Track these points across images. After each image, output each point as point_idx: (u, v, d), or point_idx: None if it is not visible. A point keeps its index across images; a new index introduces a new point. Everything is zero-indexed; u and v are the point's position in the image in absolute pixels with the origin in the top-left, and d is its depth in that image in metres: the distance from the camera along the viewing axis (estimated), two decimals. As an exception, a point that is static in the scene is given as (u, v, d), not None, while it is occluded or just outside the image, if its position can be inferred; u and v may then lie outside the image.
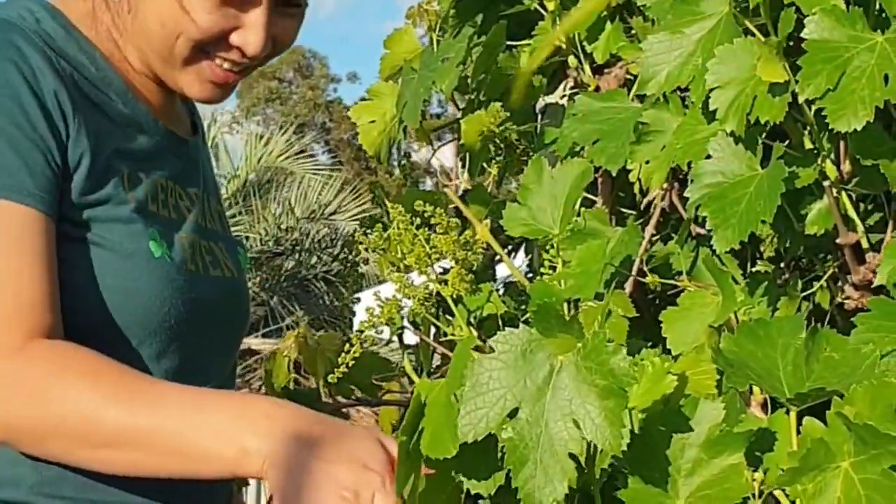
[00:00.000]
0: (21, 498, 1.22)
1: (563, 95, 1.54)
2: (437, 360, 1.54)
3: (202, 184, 1.44)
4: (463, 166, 1.79)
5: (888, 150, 1.14)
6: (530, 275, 1.67)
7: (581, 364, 0.92)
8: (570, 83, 1.53)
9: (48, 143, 1.19)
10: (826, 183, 1.18)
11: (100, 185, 1.24)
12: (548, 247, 1.26)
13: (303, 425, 1.11)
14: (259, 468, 1.10)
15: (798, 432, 0.96)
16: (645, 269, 1.29)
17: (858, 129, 1.06)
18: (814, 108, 1.12)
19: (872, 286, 1.17)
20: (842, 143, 1.19)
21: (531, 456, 0.92)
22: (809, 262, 1.41)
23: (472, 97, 1.65)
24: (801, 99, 1.10)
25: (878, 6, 1.12)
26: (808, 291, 1.33)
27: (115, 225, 1.25)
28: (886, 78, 1.06)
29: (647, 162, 1.29)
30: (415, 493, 1.01)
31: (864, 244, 1.20)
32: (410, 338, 1.39)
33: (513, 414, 0.93)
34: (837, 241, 1.21)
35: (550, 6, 1.44)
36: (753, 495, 0.94)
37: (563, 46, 1.47)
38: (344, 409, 1.60)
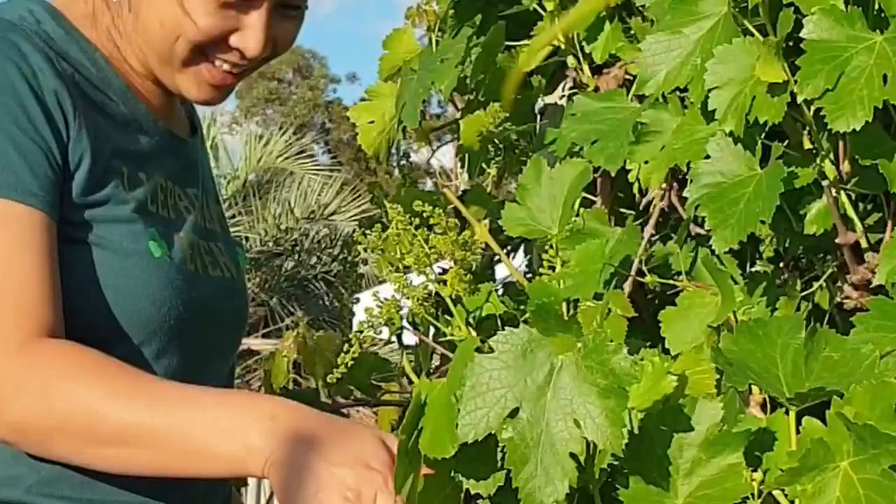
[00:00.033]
0: (19, 498, 1.22)
1: (563, 96, 1.54)
2: (436, 361, 1.54)
3: (201, 184, 1.44)
4: (462, 167, 1.79)
5: (887, 150, 1.14)
6: (529, 275, 1.67)
7: (582, 363, 0.92)
8: (569, 83, 1.53)
9: (49, 144, 1.19)
10: (825, 183, 1.18)
11: (100, 186, 1.24)
12: (547, 247, 1.26)
13: (305, 424, 1.11)
14: (262, 467, 1.10)
15: (797, 432, 0.96)
16: (644, 269, 1.29)
17: (857, 129, 1.06)
18: (813, 108, 1.12)
19: (871, 286, 1.17)
20: (841, 143, 1.19)
21: (532, 455, 0.92)
22: (809, 262, 1.41)
23: (471, 97, 1.65)
24: (799, 99, 1.10)
25: (876, 6, 1.12)
26: (808, 291, 1.33)
27: (114, 225, 1.25)
28: (885, 78, 1.06)
29: (646, 162, 1.29)
30: (414, 492, 1.01)
31: (864, 244, 1.20)
32: (410, 338, 1.39)
33: (513, 414, 0.93)
34: (836, 240, 1.21)
35: (549, 6, 1.44)
36: (752, 495, 0.94)
37: (562, 47, 1.47)
38: (343, 410, 1.60)
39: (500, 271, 1.73)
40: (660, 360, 0.94)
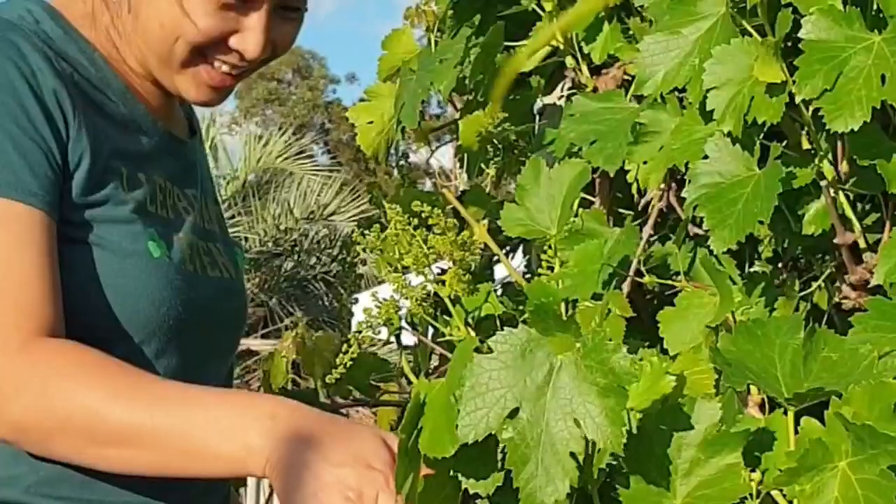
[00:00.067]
0: (18, 498, 1.22)
1: (561, 96, 1.54)
2: (435, 361, 1.54)
3: (200, 185, 1.44)
4: (461, 167, 1.79)
5: (885, 150, 1.14)
6: (528, 275, 1.67)
7: (581, 363, 0.92)
8: (568, 84, 1.53)
9: (49, 143, 1.19)
10: (823, 183, 1.18)
11: (99, 186, 1.24)
12: (545, 247, 1.26)
13: (306, 424, 1.11)
14: (262, 467, 1.10)
15: (796, 432, 0.96)
16: (642, 269, 1.29)
17: (855, 129, 1.06)
18: (811, 108, 1.12)
19: (870, 286, 1.17)
20: (839, 144, 1.19)
21: (532, 455, 0.92)
22: (807, 262, 1.41)
23: (470, 98, 1.65)
24: (798, 99, 1.10)
25: (875, 6, 1.12)
26: (806, 292, 1.33)
27: (114, 225, 1.25)
28: (883, 78, 1.06)
29: (645, 162, 1.29)
30: (414, 492, 1.01)
31: (862, 244, 1.20)
32: (409, 338, 1.39)
33: (513, 414, 0.93)
34: (835, 241, 1.21)
35: (548, 6, 1.44)
36: (751, 495, 0.94)
37: (561, 47, 1.47)
38: (342, 410, 1.60)
39: (499, 271, 1.73)
40: (658, 361, 0.94)
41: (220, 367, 1.42)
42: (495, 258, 1.57)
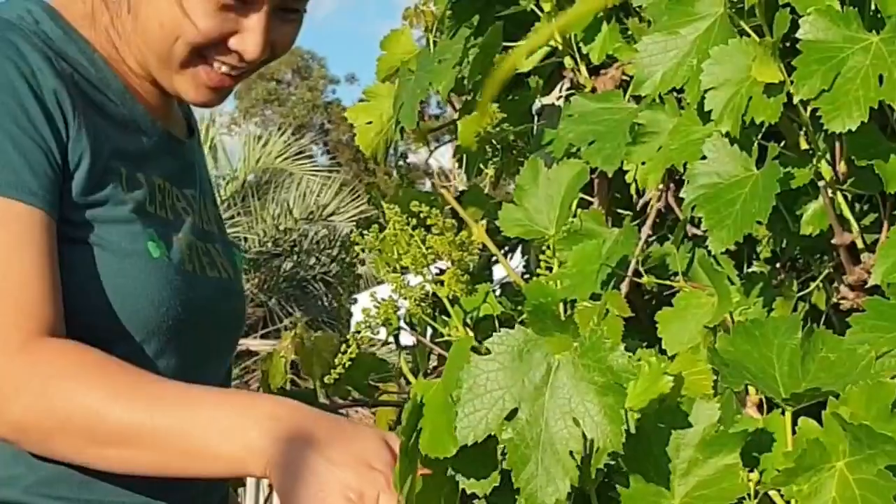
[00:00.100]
0: (17, 498, 1.22)
1: (560, 96, 1.54)
2: (433, 361, 1.54)
3: (198, 185, 1.44)
4: (460, 167, 1.79)
5: (883, 151, 1.14)
6: (527, 276, 1.67)
7: (579, 361, 0.92)
8: (567, 84, 1.53)
9: (49, 143, 1.20)
10: (821, 183, 1.18)
11: (99, 186, 1.25)
12: (544, 247, 1.26)
13: (307, 424, 1.11)
14: (264, 468, 1.10)
15: (794, 432, 0.96)
16: (641, 269, 1.29)
17: (853, 129, 1.06)
18: (809, 108, 1.12)
19: (867, 286, 1.17)
20: (837, 144, 1.19)
21: (532, 455, 0.92)
22: (805, 262, 1.41)
23: (469, 98, 1.64)
24: (796, 99, 1.10)
25: (873, 7, 1.12)
26: (804, 292, 1.33)
27: (113, 226, 1.25)
28: (881, 78, 1.06)
29: (643, 163, 1.29)
30: (412, 492, 1.01)
31: (860, 244, 1.20)
32: (408, 338, 1.39)
33: (511, 415, 0.93)
34: (833, 241, 1.21)
35: (546, 7, 1.44)
36: (749, 495, 0.94)
37: (559, 48, 1.47)
38: (342, 410, 1.60)
39: (498, 272, 1.73)
40: (656, 361, 0.94)
41: (219, 368, 1.42)
42: (494, 258, 1.57)
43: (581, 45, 1.44)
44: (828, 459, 0.87)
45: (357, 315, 1.26)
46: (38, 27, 1.27)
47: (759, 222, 1.11)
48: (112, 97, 1.31)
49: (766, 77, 1.10)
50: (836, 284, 1.28)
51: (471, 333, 1.24)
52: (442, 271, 1.23)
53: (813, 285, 1.34)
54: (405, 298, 1.21)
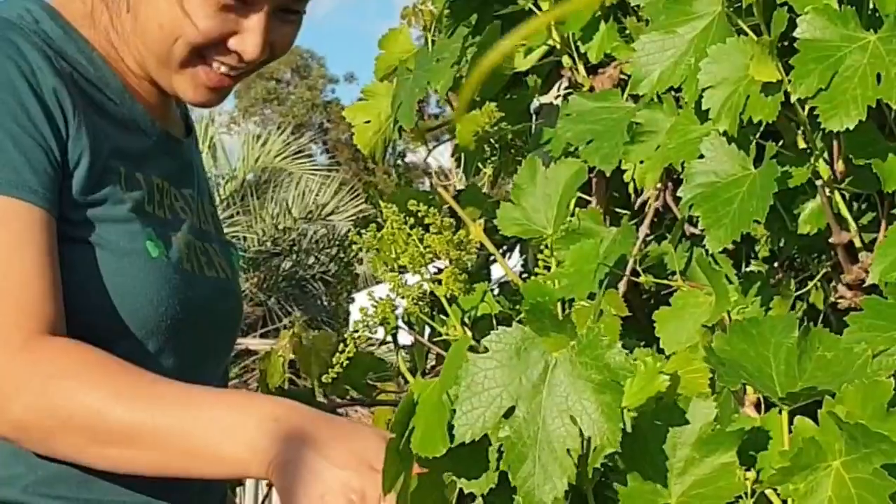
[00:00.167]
0: (16, 497, 1.22)
1: (558, 95, 1.54)
2: (431, 361, 1.54)
3: (196, 185, 1.44)
4: (458, 166, 1.79)
5: (881, 150, 1.14)
6: (525, 275, 1.67)
7: (576, 359, 0.92)
8: (565, 83, 1.53)
9: (49, 142, 1.20)
10: (819, 182, 1.18)
11: (98, 185, 1.25)
12: (542, 247, 1.26)
13: (307, 425, 1.11)
14: (266, 469, 1.10)
15: (790, 431, 0.96)
16: (639, 268, 1.29)
17: (851, 128, 1.06)
18: (806, 107, 1.12)
19: (865, 285, 1.17)
20: (835, 143, 1.19)
21: (529, 454, 0.92)
22: (803, 261, 1.41)
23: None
24: (793, 98, 1.10)
25: (870, 5, 1.12)
26: (802, 291, 1.33)
27: (112, 225, 1.25)
28: (879, 77, 1.06)
29: (641, 162, 1.29)
30: (406, 492, 1.01)
31: (857, 243, 1.20)
32: (406, 338, 1.39)
33: (509, 412, 0.93)
34: (830, 240, 1.21)
35: (544, 6, 1.44)
36: (745, 494, 0.94)
37: (558, 46, 1.47)
38: (340, 410, 1.60)
39: (497, 271, 1.73)
40: (652, 360, 0.94)
41: (217, 368, 1.42)
42: (492, 258, 1.57)
43: (579, 44, 1.44)
44: (824, 458, 0.87)
45: (355, 314, 1.26)
46: (37, 26, 1.27)
47: (756, 221, 1.11)
48: (111, 96, 1.31)
49: (763, 76, 1.10)
50: (833, 283, 1.28)
51: (469, 332, 1.24)
52: (440, 270, 1.23)
53: (811, 284, 1.34)
54: (403, 297, 1.21)
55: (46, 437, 1.14)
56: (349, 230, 1.27)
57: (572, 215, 1.30)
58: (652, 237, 1.38)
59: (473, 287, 1.29)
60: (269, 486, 1.15)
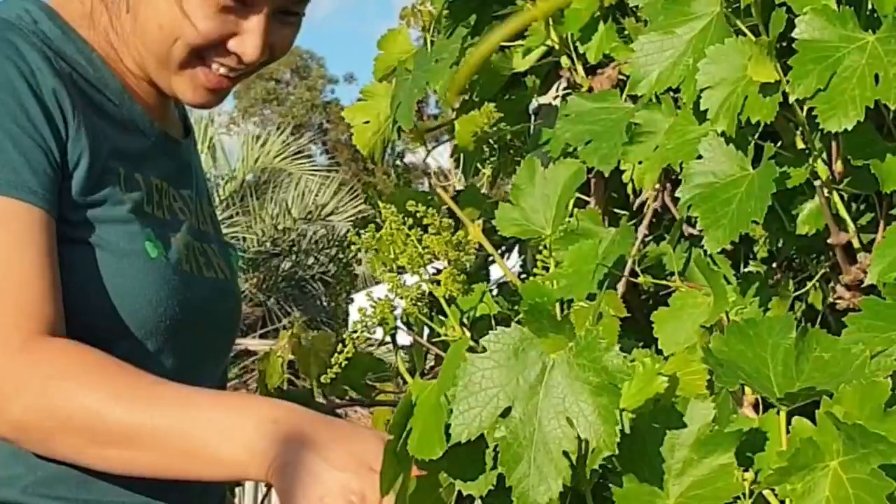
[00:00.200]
0: (15, 498, 1.22)
1: (557, 96, 1.54)
2: (430, 361, 1.54)
3: (194, 186, 1.44)
4: (457, 167, 1.79)
5: (879, 150, 1.14)
6: (524, 275, 1.67)
7: (574, 361, 0.92)
8: (564, 84, 1.53)
9: (48, 142, 1.20)
10: (817, 183, 1.18)
11: (98, 186, 1.25)
12: (540, 247, 1.26)
13: (306, 427, 1.11)
14: (264, 472, 1.10)
15: (788, 432, 0.96)
16: (637, 269, 1.29)
17: (849, 128, 1.06)
18: (805, 108, 1.12)
19: (863, 286, 1.17)
20: (833, 143, 1.19)
21: (525, 455, 0.92)
22: (802, 262, 1.41)
23: (466, 98, 1.64)
24: (791, 99, 1.10)
25: (869, 6, 1.12)
26: (801, 291, 1.33)
27: (111, 226, 1.25)
28: (877, 78, 1.06)
29: (640, 162, 1.29)
30: (404, 494, 1.01)
31: (856, 244, 1.20)
32: (405, 338, 1.39)
33: (505, 413, 0.93)
34: (829, 241, 1.21)
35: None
36: (744, 495, 0.94)
37: (556, 47, 1.47)
38: (340, 410, 1.60)
39: (496, 272, 1.73)
40: (651, 362, 0.94)
41: (215, 369, 1.42)
42: (491, 258, 1.57)
43: (578, 44, 1.44)
44: (821, 458, 0.87)
45: (354, 315, 1.26)
46: (36, 27, 1.27)
47: (754, 222, 1.11)
48: (110, 97, 1.31)
49: (762, 76, 1.10)
50: (832, 284, 1.28)
51: (467, 333, 1.24)
52: (439, 271, 1.23)
53: (809, 285, 1.33)
54: (402, 298, 1.21)
55: (46, 438, 1.14)
56: (348, 231, 1.28)
57: (571, 216, 1.30)
58: (650, 238, 1.38)
59: (472, 288, 1.29)
60: (269, 486, 1.15)
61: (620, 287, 1.29)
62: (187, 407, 1.14)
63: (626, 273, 1.29)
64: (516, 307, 1.36)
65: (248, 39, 1.29)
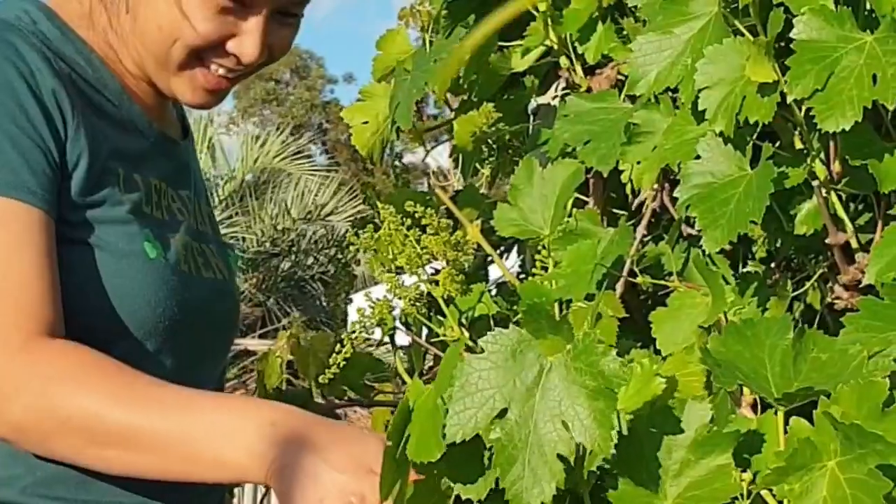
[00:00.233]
0: (14, 498, 1.22)
1: (555, 96, 1.54)
2: (429, 361, 1.54)
3: (192, 186, 1.44)
4: (456, 167, 1.79)
5: (877, 150, 1.14)
6: (523, 276, 1.67)
7: (571, 365, 0.92)
8: (562, 84, 1.53)
9: (48, 143, 1.20)
10: (815, 183, 1.18)
11: (97, 186, 1.25)
12: (539, 247, 1.26)
13: (305, 429, 1.11)
14: (264, 474, 1.10)
15: (786, 432, 0.96)
16: (636, 269, 1.29)
17: (846, 129, 1.06)
18: (803, 108, 1.12)
19: (861, 286, 1.17)
20: (831, 144, 1.19)
21: (519, 457, 0.92)
22: (800, 262, 1.41)
23: (465, 98, 1.64)
24: (789, 99, 1.10)
25: (867, 6, 1.12)
26: (799, 291, 1.33)
27: (110, 226, 1.25)
28: (875, 78, 1.06)
29: (639, 162, 1.29)
30: (402, 498, 1.01)
31: (854, 244, 1.20)
32: (404, 338, 1.39)
33: (501, 414, 0.93)
34: (827, 241, 1.21)
35: (542, 6, 1.44)
36: (741, 495, 0.94)
37: (555, 47, 1.47)
38: (339, 410, 1.60)
39: (494, 272, 1.73)
40: (649, 363, 0.94)
41: (214, 369, 1.42)
42: (490, 258, 1.57)
43: (576, 44, 1.44)
44: (819, 459, 0.87)
45: (353, 315, 1.26)
46: (35, 27, 1.27)
47: (753, 222, 1.11)
48: (109, 97, 1.31)
49: (760, 77, 1.10)
50: (830, 284, 1.28)
51: (466, 333, 1.24)
52: (437, 271, 1.23)
53: (807, 285, 1.33)
54: (400, 298, 1.21)
55: (45, 439, 1.14)
56: (348, 231, 1.28)
57: (569, 216, 1.30)
58: (649, 238, 1.38)
59: (470, 288, 1.29)
60: (268, 488, 1.15)
61: (619, 287, 1.29)
62: (188, 410, 1.14)
63: (625, 273, 1.29)
64: (515, 307, 1.36)
65: (247, 40, 1.29)
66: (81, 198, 1.23)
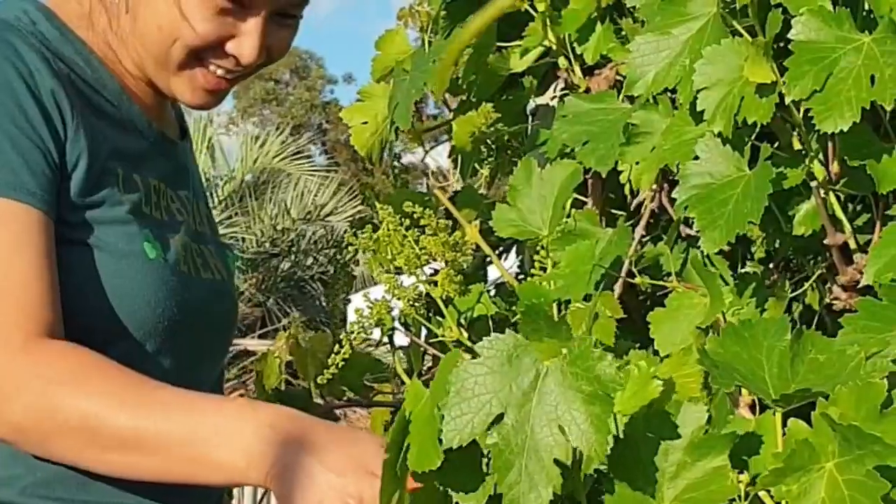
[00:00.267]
0: (13, 499, 1.22)
1: (554, 97, 1.54)
2: (428, 362, 1.54)
3: (191, 187, 1.44)
4: (455, 167, 1.79)
5: (876, 151, 1.14)
6: (521, 276, 1.67)
7: (567, 369, 0.92)
8: (561, 84, 1.53)
9: (47, 143, 1.20)
10: (814, 184, 1.18)
11: (97, 187, 1.25)
12: (537, 248, 1.26)
13: (304, 431, 1.11)
14: (263, 477, 1.10)
15: (783, 433, 0.96)
16: (634, 270, 1.29)
17: (845, 129, 1.06)
18: (801, 108, 1.12)
19: (860, 287, 1.17)
20: (830, 144, 1.19)
21: (516, 461, 0.92)
22: (799, 263, 1.41)
23: (464, 98, 1.64)
24: (788, 100, 1.10)
25: (865, 7, 1.12)
26: (797, 292, 1.33)
27: (110, 227, 1.25)
28: (873, 79, 1.06)
29: (637, 163, 1.29)
30: None
31: (852, 245, 1.20)
32: (403, 339, 1.39)
33: (498, 419, 0.92)
34: (825, 241, 1.21)
35: (540, 7, 1.44)
36: (739, 497, 0.94)
37: (554, 48, 1.47)
38: (338, 411, 1.60)
39: (494, 272, 1.73)
40: (646, 364, 0.94)
41: (213, 369, 1.42)
42: (488, 259, 1.57)
43: (575, 45, 1.44)
44: (817, 460, 0.87)
45: (352, 315, 1.26)
46: (34, 28, 1.27)
47: (751, 223, 1.11)
48: (109, 98, 1.31)
49: (758, 77, 1.10)
50: (829, 285, 1.28)
51: (464, 334, 1.24)
52: (436, 272, 1.23)
53: (806, 286, 1.33)
54: (399, 299, 1.21)
55: (44, 440, 1.14)
56: (345, 231, 1.28)
57: (568, 216, 1.30)
58: (648, 238, 1.38)
59: (469, 288, 1.29)
60: (268, 489, 1.15)
61: (617, 288, 1.29)
62: (190, 412, 1.14)
63: (623, 274, 1.29)
64: (513, 308, 1.36)
65: (246, 41, 1.29)
66: (81, 198, 1.23)
